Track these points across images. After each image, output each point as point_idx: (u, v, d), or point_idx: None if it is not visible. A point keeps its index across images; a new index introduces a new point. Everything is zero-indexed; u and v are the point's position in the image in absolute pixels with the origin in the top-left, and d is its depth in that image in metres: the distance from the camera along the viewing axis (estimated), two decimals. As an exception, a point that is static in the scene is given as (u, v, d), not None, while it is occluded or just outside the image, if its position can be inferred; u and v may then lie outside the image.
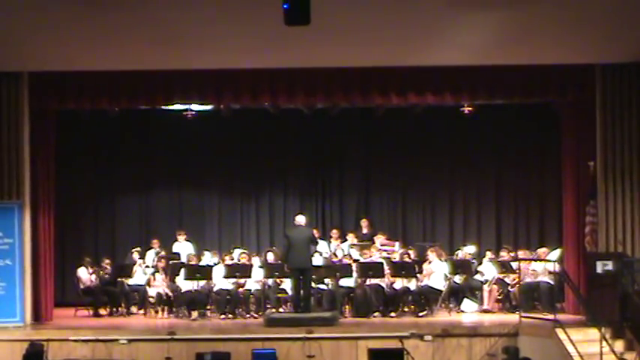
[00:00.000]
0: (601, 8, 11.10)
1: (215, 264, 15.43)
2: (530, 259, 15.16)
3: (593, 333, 11.95)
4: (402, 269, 14.88)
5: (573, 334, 12.05)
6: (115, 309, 15.57)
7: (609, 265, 12.91)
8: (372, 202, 18.09)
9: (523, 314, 13.33)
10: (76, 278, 15.81)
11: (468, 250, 16.24)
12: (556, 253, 15.26)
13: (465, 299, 15.37)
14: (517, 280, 14.67)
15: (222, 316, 14.62)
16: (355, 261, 15.19)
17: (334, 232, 16.72)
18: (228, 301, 14.74)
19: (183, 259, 15.93)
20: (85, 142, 17.50)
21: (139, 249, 16.33)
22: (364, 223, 17.19)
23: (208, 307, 14.99)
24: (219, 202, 18.17)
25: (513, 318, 13.64)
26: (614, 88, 13.86)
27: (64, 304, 15.87)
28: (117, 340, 12.95)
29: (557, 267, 14.34)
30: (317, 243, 15.04)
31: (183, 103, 15.12)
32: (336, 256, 15.67)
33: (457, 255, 16.22)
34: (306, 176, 18.14)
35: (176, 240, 16.78)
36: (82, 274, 15.72)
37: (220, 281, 14.89)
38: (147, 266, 15.95)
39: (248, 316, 14.80)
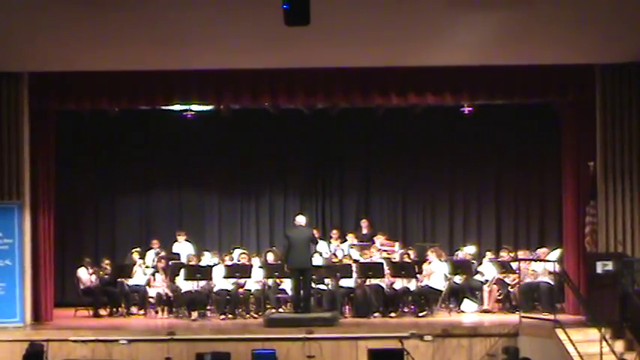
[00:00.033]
0: (601, 8, 11.10)
1: (215, 264, 15.42)
2: (531, 260, 15.16)
3: (593, 333, 11.95)
4: (402, 269, 14.88)
5: (573, 335, 12.04)
6: (114, 309, 15.56)
7: (609, 266, 12.91)
8: (372, 202, 18.09)
9: (523, 314, 13.33)
10: (76, 278, 15.81)
11: (468, 251, 16.25)
12: (556, 254, 15.26)
13: (465, 299, 15.38)
14: (517, 280, 14.67)
15: (222, 317, 14.62)
16: (355, 261, 15.18)
17: (334, 233, 16.72)
18: (228, 301, 14.74)
19: (183, 260, 15.93)
20: (85, 142, 17.51)
21: (138, 249, 16.33)
22: (364, 223, 17.19)
23: (208, 308, 14.99)
24: (219, 203, 18.17)
25: (513, 318, 13.65)
26: (614, 88, 13.86)
27: (64, 305, 15.87)
28: (117, 340, 12.94)
29: (557, 267, 14.34)
30: (317, 242, 15.04)
31: (183, 104, 15.11)
32: (336, 256, 15.67)
33: (457, 255, 16.22)
34: (306, 176, 18.14)
35: (176, 240, 16.78)
36: (82, 274, 15.72)
37: (220, 281, 14.89)
38: (147, 266, 15.95)
39: (248, 316, 14.80)
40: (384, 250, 15.93)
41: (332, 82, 14.15)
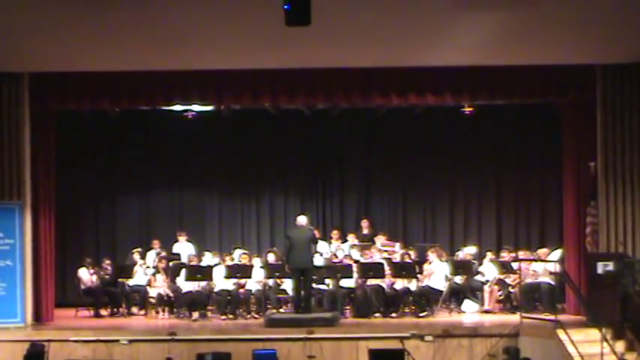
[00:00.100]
0: (602, 8, 11.09)
1: (216, 264, 15.43)
2: (531, 260, 15.15)
3: (594, 333, 11.96)
4: (403, 270, 14.88)
5: (574, 335, 12.04)
6: (115, 309, 15.57)
7: (610, 266, 12.91)
8: (372, 202, 18.10)
9: (524, 315, 13.32)
10: (76, 279, 15.81)
11: (468, 251, 16.24)
12: (557, 254, 15.26)
13: (466, 300, 15.37)
14: (518, 280, 14.67)
15: (223, 317, 14.62)
16: (356, 261, 15.19)
17: (335, 233, 16.70)
18: (228, 301, 14.74)
19: (184, 260, 15.93)
20: (85, 142, 17.51)
21: (139, 249, 16.33)
22: (365, 223, 17.19)
23: (209, 308, 14.99)
24: (220, 203, 18.18)
25: (514, 318, 13.64)
26: (615, 89, 13.86)
27: (64, 305, 15.87)
28: (117, 340, 12.95)
29: (557, 267, 14.35)
30: (317, 242, 15.03)
31: (183, 104, 15.11)
32: (337, 256, 15.67)
33: (458, 255, 16.22)
34: (307, 177, 18.14)
35: (177, 240, 16.79)
36: (82, 274, 15.72)
37: (221, 282, 14.89)
38: (147, 267, 15.94)
39: (249, 316, 14.80)
40: (384, 250, 15.93)
41: (332, 82, 14.15)
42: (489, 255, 15.92)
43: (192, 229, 17.36)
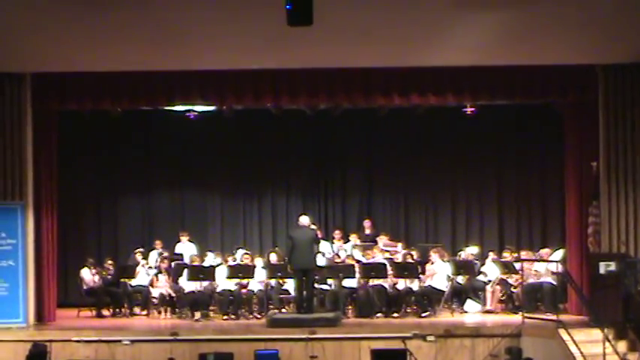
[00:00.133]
0: (603, 8, 11.08)
1: (218, 265, 15.44)
2: (533, 260, 15.15)
3: (596, 334, 11.96)
4: (405, 270, 14.88)
5: (576, 335, 12.05)
6: (117, 310, 15.57)
7: (612, 266, 12.90)
8: (374, 202, 18.10)
9: (526, 315, 13.32)
10: (78, 279, 15.82)
11: (470, 251, 16.24)
12: (559, 254, 15.26)
13: (468, 300, 15.36)
14: (520, 280, 14.66)
15: (225, 317, 14.62)
16: (358, 262, 15.19)
17: (337, 233, 16.70)
18: (230, 301, 14.74)
19: (186, 260, 15.94)
20: (87, 142, 17.53)
21: (141, 250, 16.34)
22: (367, 223, 17.19)
23: (211, 308, 15.00)
24: (222, 203, 18.19)
25: (516, 319, 13.62)
26: (617, 89, 13.84)
27: (66, 305, 15.89)
28: (120, 340, 12.96)
29: (559, 268, 14.35)
30: (319, 242, 15.02)
31: (185, 104, 15.11)
32: (339, 256, 15.67)
33: (460, 256, 16.22)
34: (309, 177, 18.15)
35: (179, 241, 16.80)
36: (84, 274, 15.73)
37: (223, 282, 14.90)
38: (150, 267, 15.94)
39: (251, 316, 14.79)
40: (386, 250, 15.92)
41: (334, 82, 14.15)
42: (491, 255, 15.91)
43: (194, 230, 17.37)
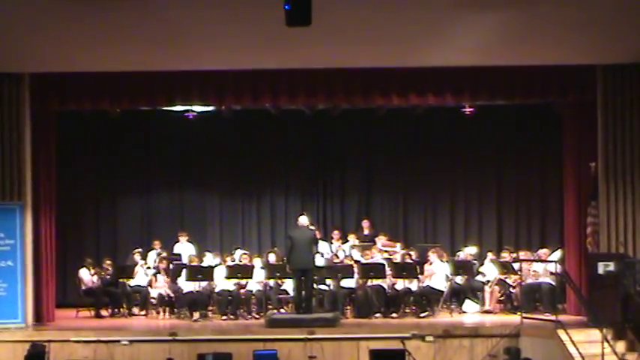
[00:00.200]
0: (602, 9, 11.09)
1: (216, 265, 15.44)
2: (532, 260, 15.16)
3: (595, 334, 11.95)
4: (404, 270, 14.88)
5: (575, 335, 12.04)
6: (116, 310, 15.56)
7: (611, 266, 12.90)
8: (373, 203, 18.09)
9: (524, 315, 13.32)
10: (77, 279, 15.81)
11: (469, 251, 16.24)
12: (557, 254, 15.26)
13: (467, 300, 15.37)
14: (518, 280, 14.66)
15: (224, 317, 14.62)
16: (357, 262, 15.19)
17: (335, 233, 16.70)
18: (229, 302, 14.74)
19: (185, 260, 15.93)
20: (86, 143, 17.51)
21: (140, 250, 16.33)
22: (365, 224, 17.19)
23: (210, 308, 14.99)
24: (221, 203, 18.18)
25: (515, 319, 13.63)
26: (616, 89, 13.85)
27: (65, 305, 15.88)
28: (118, 341, 12.95)
29: (558, 268, 14.35)
30: (318, 242, 15.02)
31: (184, 104, 15.11)
32: (338, 257, 15.67)
33: (458, 256, 16.22)
34: (308, 177, 18.14)
35: (177, 241, 16.79)
36: (83, 275, 15.72)
37: (222, 282, 14.89)
38: (148, 267, 15.95)
39: (249, 317, 14.79)
40: (385, 250, 15.93)
41: (333, 82, 14.15)
42: (490, 255, 15.91)
43: (193, 230, 17.35)
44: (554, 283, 14.63)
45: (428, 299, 14.95)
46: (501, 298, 15.32)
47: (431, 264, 15.24)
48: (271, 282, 14.99)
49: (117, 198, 18.00)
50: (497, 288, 15.29)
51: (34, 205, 14.10)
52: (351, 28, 11.66)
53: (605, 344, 11.64)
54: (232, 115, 16.36)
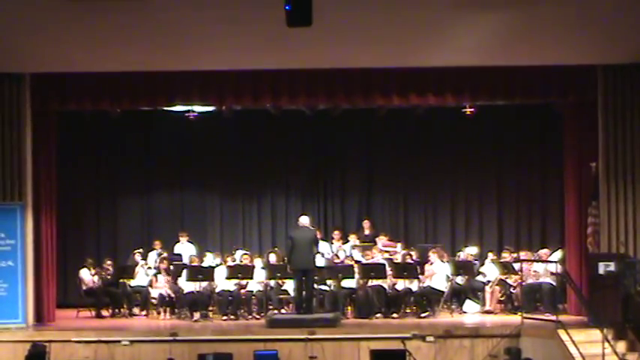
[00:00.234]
0: (603, 9, 11.09)
1: (217, 265, 15.44)
2: (532, 260, 15.16)
3: (596, 334, 11.95)
4: (404, 270, 14.87)
5: (575, 335, 12.04)
6: (117, 310, 15.55)
7: (611, 266, 12.90)
8: (373, 203, 18.09)
9: (525, 315, 13.32)
10: (78, 279, 15.81)
11: (469, 251, 16.23)
12: (558, 254, 15.26)
13: (467, 300, 15.36)
14: (519, 281, 14.66)
15: (225, 318, 14.62)
16: (357, 262, 15.18)
17: (336, 234, 16.68)
18: (230, 302, 14.74)
19: (186, 261, 15.94)
20: (86, 143, 17.53)
21: (141, 250, 16.34)
22: (366, 224, 17.18)
23: (210, 309, 14.99)
24: (221, 203, 18.18)
25: (515, 319, 13.62)
26: (616, 89, 13.85)
27: (66, 306, 15.89)
28: (119, 341, 12.95)
29: (559, 268, 14.34)
30: (318, 243, 15.01)
31: (184, 104, 15.11)
32: (338, 257, 15.66)
33: (459, 256, 16.22)
34: (308, 177, 18.14)
35: (178, 241, 16.79)
36: (84, 275, 15.72)
37: (222, 282, 14.89)
38: (149, 267, 15.94)
39: (250, 317, 14.78)
40: (386, 250, 15.92)
41: (333, 82, 14.16)
42: (490, 255, 15.91)
43: (193, 230, 17.35)
44: (554, 284, 14.63)
45: (428, 299, 14.94)
46: (502, 299, 15.32)
47: (431, 264, 15.24)
48: (272, 282, 14.99)
49: (117, 198, 18.00)
50: (497, 288, 15.29)
51: (34, 205, 14.11)
52: (352, 29, 11.67)
53: (606, 344, 11.64)
54: (233, 116, 16.36)
